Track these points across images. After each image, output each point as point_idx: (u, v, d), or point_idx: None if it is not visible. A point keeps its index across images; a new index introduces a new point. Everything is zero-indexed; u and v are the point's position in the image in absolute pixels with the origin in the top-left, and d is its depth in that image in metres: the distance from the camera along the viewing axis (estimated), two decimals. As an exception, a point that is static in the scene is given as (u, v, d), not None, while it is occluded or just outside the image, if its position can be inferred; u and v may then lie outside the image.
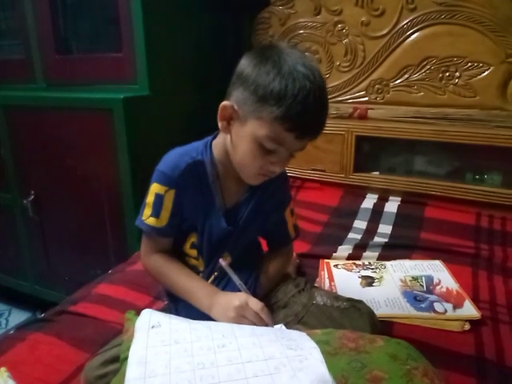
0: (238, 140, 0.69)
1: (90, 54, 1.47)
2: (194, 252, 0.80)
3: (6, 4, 1.63)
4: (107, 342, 0.73)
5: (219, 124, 0.71)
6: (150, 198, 0.76)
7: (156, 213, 0.75)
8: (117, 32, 1.34)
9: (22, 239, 1.69)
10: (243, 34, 1.68)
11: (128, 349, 0.58)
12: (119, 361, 0.61)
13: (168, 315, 0.64)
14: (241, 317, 0.67)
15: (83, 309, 0.95)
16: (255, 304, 0.69)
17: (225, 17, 1.72)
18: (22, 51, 1.55)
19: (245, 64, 0.67)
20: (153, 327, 0.61)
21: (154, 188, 0.75)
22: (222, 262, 0.75)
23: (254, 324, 0.67)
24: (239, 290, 0.74)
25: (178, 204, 0.75)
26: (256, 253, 0.88)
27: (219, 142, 0.76)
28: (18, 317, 1.77)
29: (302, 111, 0.62)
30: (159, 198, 0.74)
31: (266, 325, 0.68)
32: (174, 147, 0.79)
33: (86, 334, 0.87)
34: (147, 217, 0.76)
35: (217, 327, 0.61)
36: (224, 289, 0.77)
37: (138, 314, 0.66)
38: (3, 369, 0.77)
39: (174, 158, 0.75)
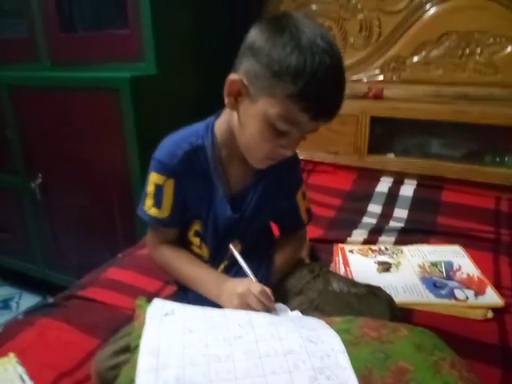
0: (247, 119, 0.64)
1: (96, 32, 1.43)
2: (196, 240, 0.76)
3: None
4: (117, 328, 0.71)
5: (226, 100, 0.65)
6: (150, 188, 0.72)
7: (157, 203, 0.72)
8: (122, 8, 1.29)
9: (30, 223, 1.67)
10: (253, 9, 1.61)
11: (139, 337, 0.56)
12: (130, 350, 0.58)
13: (181, 303, 0.61)
14: (245, 304, 0.63)
15: (92, 293, 0.94)
16: (255, 288, 0.64)
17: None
18: (26, 30, 1.51)
19: (257, 34, 0.61)
20: (166, 315, 0.58)
21: (153, 177, 0.71)
22: (232, 248, 0.72)
23: (257, 310, 0.63)
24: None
25: (179, 193, 0.71)
26: (268, 239, 0.84)
27: (223, 122, 0.71)
28: (28, 300, 1.77)
29: (320, 90, 0.57)
30: (159, 188, 0.71)
31: (269, 309, 0.64)
32: (181, 127, 0.74)
33: (95, 319, 0.85)
34: (149, 207, 0.73)
35: (233, 315, 0.58)
36: (235, 276, 0.73)
37: (149, 300, 0.63)
38: (12, 354, 0.75)
39: (172, 145, 0.70)
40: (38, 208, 1.61)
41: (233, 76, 0.62)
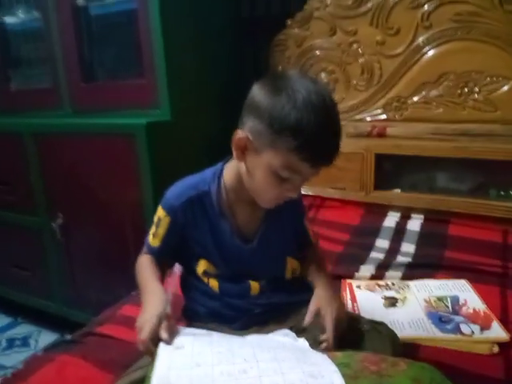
0: (254, 169, 0.71)
1: (114, 81, 1.54)
2: (205, 278, 0.81)
3: (35, 35, 1.73)
4: (131, 364, 0.75)
5: (234, 153, 0.73)
6: (155, 218, 0.81)
7: (155, 232, 0.81)
8: (139, 59, 1.39)
9: (51, 262, 1.73)
10: (261, 56, 1.71)
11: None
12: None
13: (192, 336, 0.65)
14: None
15: (108, 330, 0.97)
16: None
17: (243, 40, 1.77)
18: (50, 80, 1.63)
19: (258, 95, 0.68)
20: (177, 348, 0.62)
21: (158, 211, 0.80)
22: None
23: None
24: None
25: (173, 232, 0.78)
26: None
27: (231, 168, 0.78)
28: (47, 338, 1.80)
29: (318, 142, 0.63)
30: (159, 220, 0.79)
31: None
32: (195, 171, 0.82)
33: (111, 355, 0.88)
34: (149, 234, 0.82)
35: (240, 350, 0.61)
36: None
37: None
38: (32, 390, 0.79)
39: (180, 188, 0.79)
40: (57, 247, 1.68)
41: (239, 134, 0.70)
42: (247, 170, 0.72)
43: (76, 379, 0.84)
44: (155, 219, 0.80)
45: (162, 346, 0.62)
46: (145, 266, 0.81)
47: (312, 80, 0.70)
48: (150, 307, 0.68)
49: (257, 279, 0.80)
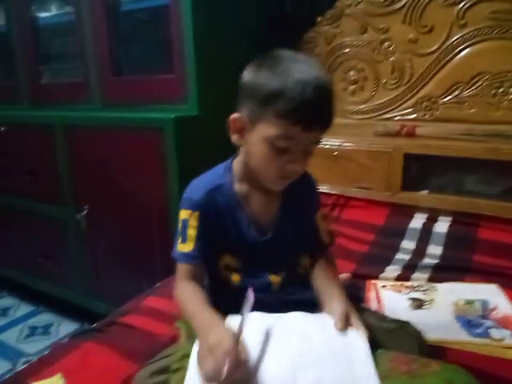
0: (252, 147, 0.71)
1: (143, 76, 1.55)
2: (227, 273, 0.80)
3: (67, 29, 1.76)
4: (154, 354, 0.75)
5: (232, 137, 0.73)
6: (179, 226, 0.78)
7: (183, 238, 0.77)
8: (168, 54, 1.41)
9: (74, 252, 1.77)
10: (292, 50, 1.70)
11: (179, 360, 0.60)
12: (168, 371, 0.62)
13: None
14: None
15: (132, 320, 0.98)
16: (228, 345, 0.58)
17: (273, 37, 1.76)
18: (81, 74, 1.66)
19: (245, 75, 0.71)
20: None
21: (181, 214, 0.77)
22: (251, 295, 0.66)
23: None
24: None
25: (204, 225, 0.76)
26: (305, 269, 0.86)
27: (239, 160, 0.78)
28: (68, 327, 1.84)
29: (303, 102, 0.63)
30: (185, 223, 0.76)
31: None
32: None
33: (134, 345, 0.89)
34: (178, 244, 0.78)
35: (275, 369, 0.60)
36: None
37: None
38: (59, 375, 0.80)
39: (197, 185, 0.78)
40: (82, 238, 1.71)
41: (233, 115, 0.71)
42: (247, 152, 0.73)
43: (100, 366, 0.84)
44: (180, 226, 0.77)
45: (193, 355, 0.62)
46: (190, 297, 0.74)
47: (296, 52, 0.71)
48: (214, 345, 0.59)
49: (275, 273, 0.79)
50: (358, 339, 0.64)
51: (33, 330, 1.84)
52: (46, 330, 1.85)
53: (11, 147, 1.86)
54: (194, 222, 0.76)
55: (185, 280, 0.77)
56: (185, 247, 0.77)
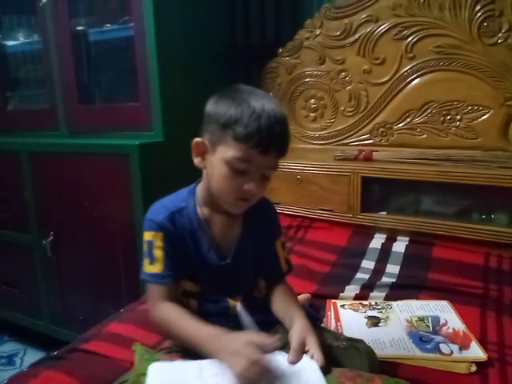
0: (212, 169, 0.75)
1: (110, 104, 1.58)
2: (184, 299, 0.82)
3: (34, 57, 1.78)
4: (115, 380, 0.76)
5: (194, 160, 0.78)
6: (144, 248, 0.79)
7: (151, 260, 0.78)
8: (134, 83, 1.45)
9: (40, 279, 1.74)
10: (253, 82, 1.78)
11: (133, 383, 0.62)
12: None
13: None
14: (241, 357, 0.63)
15: (94, 347, 0.98)
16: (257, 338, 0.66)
17: (236, 67, 1.83)
18: (47, 101, 1.68)
19: (208, 105, 0.77)
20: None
21: (145, 236, 0.79)
22: (238, 307, 0.74)
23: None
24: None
25: (169, 246, 0.78)
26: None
27: (202, 184, 0.82)
28: (33, 356, 1.79)
29: (259, 127, 0.69)
30: (150, 244, 0.78)
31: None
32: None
33: (95, 371, 0.89)
34: (146, 266, 0.79)
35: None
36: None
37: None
38: (16, 405, 0.79)
39: (159, 207, 0.80)
40: (47, 264, 1.69)
41: (196, 139, 0.77)
42: (208, 174, 0.77)
43: (59, 395, 0.84)
44: (145, 247, 0.78)
45: (152, 366, 0.64)
46: (175, 317, 0.76)
47: (253, 88, 0.77)
48: (239, 348, 0.64)
49: (233, 297, 0.82)
50: (310, 364, 0.67)
51: (-4, 360, 1.79)
52: (10, 359, 1.79)
53: (-25, 174, 1.84)
54: (159, 243, 0.77)
55: (161, 302, 0.78)
56: (154, 268, 0.78)
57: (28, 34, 1.84)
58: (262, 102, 0.71)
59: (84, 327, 1.14)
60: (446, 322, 1.04)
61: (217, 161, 0.73)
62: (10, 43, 1.86)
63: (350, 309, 1.13)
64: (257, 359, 0.62)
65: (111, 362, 0.92)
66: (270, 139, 0.70)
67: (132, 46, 1.42)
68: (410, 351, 0.94)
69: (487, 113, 1.40)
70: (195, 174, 0.83)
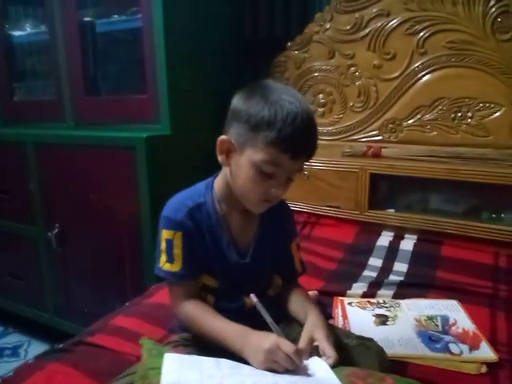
0: (238, 169, 0.74)
1: (117, 96, 1.57)
2: (203, 294, 0.81)
3: (41, 48, 1.77)
4: (121, 373, 0.75)
5: (219, 158, 0.76)
6: (163, 245, 0.78)
7: (170, 258, 0.77)
8: (141, 75, 1.43)
9: (45, 271, 1.74)
10: (261, 76, 1.76)
11: (141, 377, 0.61)
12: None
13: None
14: (271, 361, 0.65)
15: (100, 340, 0.97)
16: (288, 347, 0.65)
17: (244, 60, 1.81)
18: (54, 92, 1.67)
19: (236, 101, 0.74)
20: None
21: (164, 234, 0.78)
22: (254, 299, 0.73)
23: (286, 368, 0.65)
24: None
25: (188, 245, 0.77)
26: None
27: (220, 180, 0.81)
28: (37, 348, 1.79)
29: (293, 132, 0.67)
30: (169, 243, 0.77)
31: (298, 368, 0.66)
32: (192, 185, 0.84)
33: (101, 364, 0.89)
34: (163, 263, 0.78)
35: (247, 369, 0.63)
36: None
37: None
38: (21, 397, 0.79)
39: (177, 203, 0.79)
40: (53, 257, 1.69)
41: (222, 137, 0.75)
42: (232, 173, 0.76)
43: (65, 387, 0.84)
44: (163, 246, 0.78)
45: (168, 355, 0.63)
46: (200, 314, 0.76)
47: (285, 84, 0.76)
48: (258, 341, 0.67)
49: (248, 295, 0.81)
50: (321, 364, 0.66)
51: (1, 352, 1.79)
52: (14, 351, 1.80)
53: (-19, 165, 1.83)
54: (178, 242, 0.77)
55: (184, 300, 0.78)
56: (173, 267, 0.77)
57: (35, 24, 1.83)
58: (295, 105, 0.68)
59: (88, 320, 1.14)
60: (456, 321, 1.03)
61: (244, 162, 0.72)
62: (16, 33, 1.85)
63: (358, 306, 1.12)
64: (281, 360, 0.64)
65: (117, 356, 0.92)
66: (302, 145, 0.70)
67: (140, 38, 1.41)
68: (419, 350, 0.92)
69: (499, 110, 1.38)
70: (201, 168, 0.82)
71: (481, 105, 1.40)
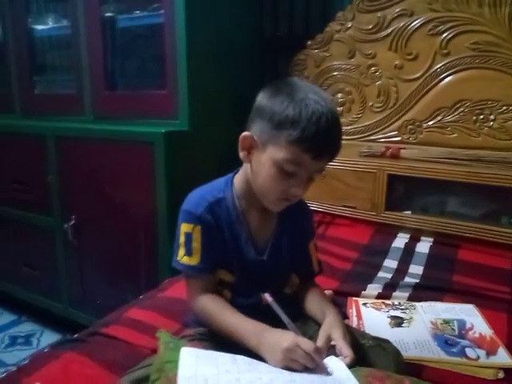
0: (259, 167, 0.73)
1: (136, 91, 1.58)
2: (220, 289, 0.81)
3: (62, 42, 1.79)
4: (135, 366, 0.75)
5: (240, 154, 0.76)
6: (181, 239, 0.78)
7: (188, 251, 0.77)
8: (161, 71, 1.44)
9: (60, 262, 1.76)
10: (281, 72, 1.76)
11: (158, 370, 0.61)
12: (147, 381, 0.63)
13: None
14: (289, 360, 0.64)
15: (114, 331, 0.98)
16: (307, 345, 0.64)
17: (263, 58, 1.81)
18: (74, 86, 1.68)
19: (261, 98, 0.74)
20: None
21: (183, 228, 0.78)
22: (269, 298, 0.73)
23: (304, 366, 0.64)
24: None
25: (207, 239, 0.77)
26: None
27: (240, 176, 0.81)
28: (49, 338, 1.82)
29: (317, 132, 0.66)
30: (188, 237, 0.77)
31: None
32: (210, 181, 0.84)
33: (116, 356, 0.89)
34: (181, 257, 0.78)
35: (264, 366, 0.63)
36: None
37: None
38: (37, 384, 0.80)
39: (197, 197, 0.79)
40: (68, 248, 1.71)
41: (245, 133, 0.74)
42: (253, 170, 0.75)
43: (80, 377, 0.84)
44: (182, 239, 0.78)
45: (184, 349, 0.63)
46: (218, 310, 0.76)
47: (311, 84, 0.75)
48: (275, 340, 0.67)
49: (265, 292, 0.81)
50: (338, 364, 0.66)
51: (13, 340, 1.82)
52: (27, 339, 1.82)
53: (1, 155, 1.86)
54: (197, 236, 0.77)
55: (201, 294, 0.78)
56: (192, 260, 0.77)
57: (57, 19, 1.85)
58: (320, 104, 0.68)
59: (101, 312, 1.15)
60: (473, 326, 1.02)
61: (265, 159, 0.71)
62: (39, 27, 1.87)
63: (373, 307, 1.11)
64: (301, 358, 0.63)
65: (131, 348, 0.92)
66: (325, 145, 0.69)
67: (161, 34, 1.42)
68: (434, 354, 0.91)
69: (522, 114, 1.35)
70: (219, 164, 0.82)
71: (504, 107, 1.37)
